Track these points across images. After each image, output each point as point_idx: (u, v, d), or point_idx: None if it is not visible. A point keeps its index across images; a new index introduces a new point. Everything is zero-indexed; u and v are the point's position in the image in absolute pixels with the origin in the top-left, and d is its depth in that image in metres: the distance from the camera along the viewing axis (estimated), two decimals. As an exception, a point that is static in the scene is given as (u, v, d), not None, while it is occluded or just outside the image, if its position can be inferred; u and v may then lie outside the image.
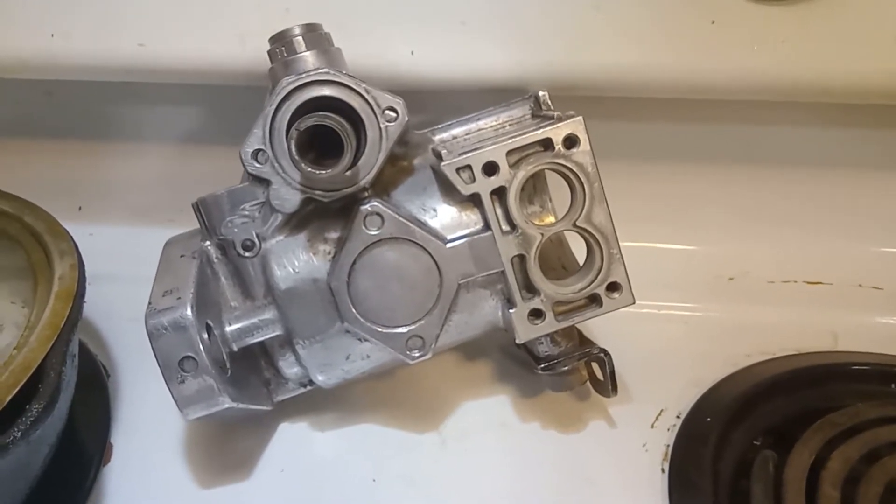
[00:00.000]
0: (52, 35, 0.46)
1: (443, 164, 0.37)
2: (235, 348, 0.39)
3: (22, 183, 0.48)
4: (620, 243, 0.39)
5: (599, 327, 0.45)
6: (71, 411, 0.40)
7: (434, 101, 0.46)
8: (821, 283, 0.55)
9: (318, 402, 0.45)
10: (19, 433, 0.31)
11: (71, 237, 0.43)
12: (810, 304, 0.54)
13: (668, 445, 0.44)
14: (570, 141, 0.38)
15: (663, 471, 0.42)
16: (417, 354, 0.39)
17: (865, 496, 0.39)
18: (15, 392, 0.31)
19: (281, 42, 0.39)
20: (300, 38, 0.39)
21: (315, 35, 0.39)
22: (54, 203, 0.46)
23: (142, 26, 0.46)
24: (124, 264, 0.50)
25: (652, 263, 0.54)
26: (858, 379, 0.47)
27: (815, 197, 0.56)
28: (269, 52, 0.40)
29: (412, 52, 0.45)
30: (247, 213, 0.39)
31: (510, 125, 0.42)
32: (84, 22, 0.46)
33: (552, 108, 0.41)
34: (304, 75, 0.36)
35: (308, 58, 0.38)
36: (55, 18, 0.46)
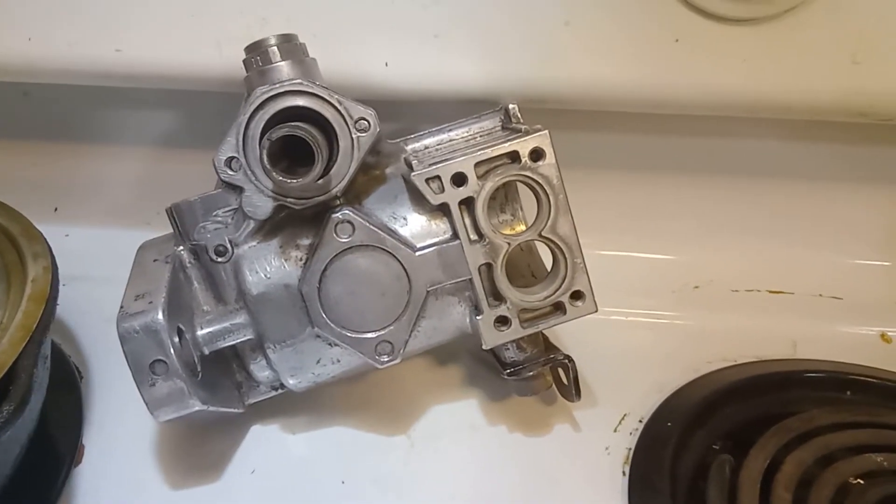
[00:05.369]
0: (30, 39, 0.46)
1: (413, 174, 0.38)
2: (207, 352, 0.40)
3: (-2, 183, 0.47)
4: (590, 251, 0.40)
5: (568, 332, 0.46)
6: (43, 412, 0.41)
7: (407, 111, 0.47)
8: (783, 292, 0.57)
9: (290, 405, 0.46)
10: (-10, 434, 0.32)
11: (45, 239, 0.43)
12: (772, 313, 0.55)
13: (630, 449, 0.45)
14: (537, 154, 0.38)
15: (624, 473, 0.43)
16: (386, 359, 0.40)
17: (817, 499, 0.40)
18: (-15, 394, 0.32)
19: (256, 52, 0.40)
20: (275, 48, 0.39)
21: (290, 45, 0.40)
22: (30, 204, 0.46)
23: (119, 32, 0.46)
24: (100, 265, 0.50)
25: (620, 271, 0.55)
26: (815, 386, 0.48)
27: (779, 208, 0.57)
28: (244, 62, 0.41)
29: (386, 64, 0.46)
30: (220, 219, 0.40)
31: (481, 136, 0.43)
32: (62, 26, 0.46)
33: (521, 120, 0.42)
34: (277, 85, 0.36)
35: (283, 68, 0.39)
36: (33, 22, 0.46)
